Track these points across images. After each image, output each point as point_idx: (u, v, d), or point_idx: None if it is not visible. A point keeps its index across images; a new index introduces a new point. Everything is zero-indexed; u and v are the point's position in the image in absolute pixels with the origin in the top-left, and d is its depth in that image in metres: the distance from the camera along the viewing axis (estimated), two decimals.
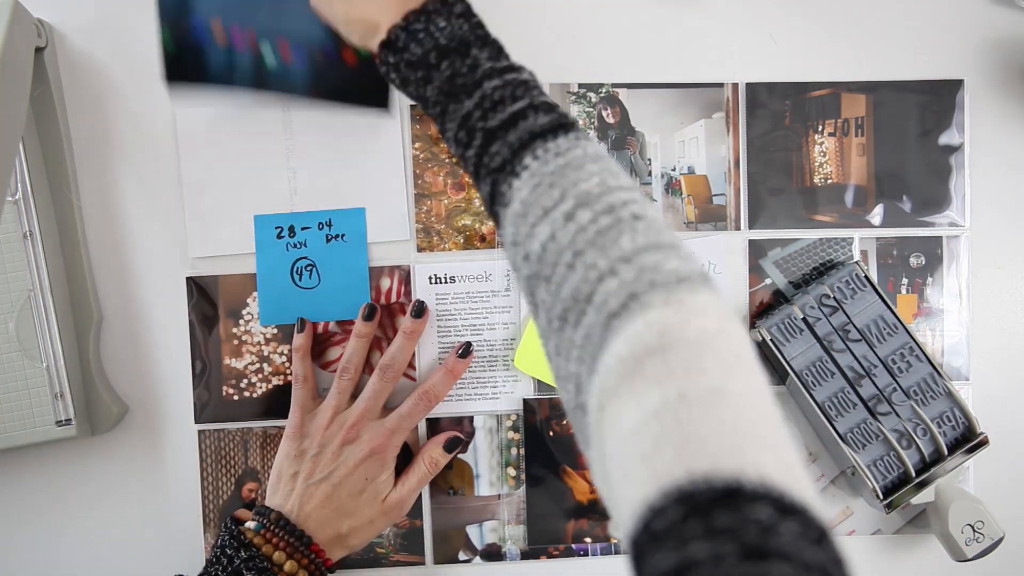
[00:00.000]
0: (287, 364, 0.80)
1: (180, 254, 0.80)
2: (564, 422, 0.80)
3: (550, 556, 0.81)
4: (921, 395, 0.76)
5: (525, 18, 0.80)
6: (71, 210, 0.78)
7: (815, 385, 0.76)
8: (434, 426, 0.81)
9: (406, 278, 0.80)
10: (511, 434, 0.81)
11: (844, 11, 0.81)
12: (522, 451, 0.81)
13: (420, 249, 0.80)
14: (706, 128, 0.80)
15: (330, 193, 0.80)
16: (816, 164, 0.80)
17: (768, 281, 0.80)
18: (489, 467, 0.81)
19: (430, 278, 0.80)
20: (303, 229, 0.80)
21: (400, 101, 0.80)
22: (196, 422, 0.80)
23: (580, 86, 0.80)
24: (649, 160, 0.80)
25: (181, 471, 0.81)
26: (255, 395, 0.80)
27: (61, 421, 0.75)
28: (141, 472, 0.81)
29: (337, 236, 0.80)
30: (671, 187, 0.80)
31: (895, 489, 0.75)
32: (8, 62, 0.67)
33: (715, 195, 0.80)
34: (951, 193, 0.81)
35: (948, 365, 0.81)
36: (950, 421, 0.76)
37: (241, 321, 0.80)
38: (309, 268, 0.80)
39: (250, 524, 0.71)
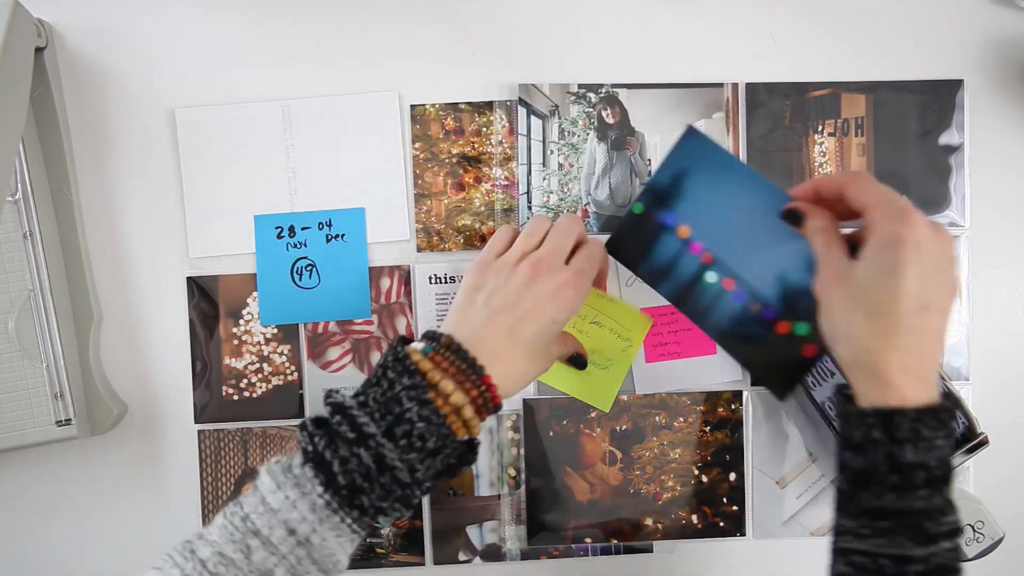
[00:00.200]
0: (287, 364, 0.80)
1: (180, 254, 0.80)
2: (564, 422, 0.80)
3: (550, 556, 0.81)
4: None
5: (525, 18, 0.80)
6: (71, 210, 0.78)
7: (815, 385, 0.76)
8: None
9: (406, 278, 0.80)
10: (511, 434, 0.81)
11: (844, 11, 0.81)
12: (522, 451, 0.81)
13: (420, 249, 0.80)
14: (706, 128, 0.80)
15: (330, 193, 0.80)
16: (816, 164, 0.80)
17: None
18: (489, 467, 0.81)
19: (430, 278, 0.80)
20: (303, 229, 0.80)
21: (401, 103, 0.80)
22: (196, 422, 0.81)
23: (580, 86, 0.80)
24: (649, 160, 0.80)
25: (181, 471, 0.81)
26: (255, 395, 0.80)
27: (61, 421, 0.75)
28: (141, 472, 0.81)
29: (337, 236, 0.80)
30: None
31: None
32: (8, 62, 0.67)
33: None
34: (951, 193, 0.81)
35: (948, 365, 0.81)
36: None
37: (241, 321, 0.80)
38: (309, 268, 0.80)
39: (417, 345, 0.63)
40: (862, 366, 0.58)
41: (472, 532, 0.81)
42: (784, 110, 0.80)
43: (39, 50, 0.76)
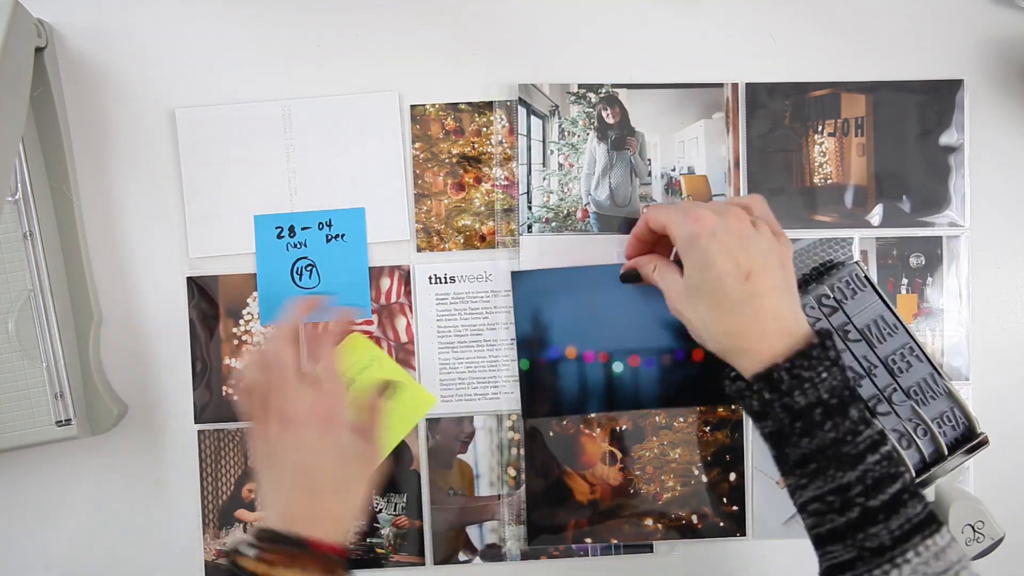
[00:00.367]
0: None
1: (180, 254, 0.80)
2: (564, 422, 0.80)
3: (550, 556, 0.81)
4: (921, 395, 0.76)
5: (525, 18, 0.80)
6: (71, 210, 0.78)
7: None
8: (434, 426, 0.81)
9: (406, 278, 0.80)
10: (511, 434, 0.81)
11: (844, 11, 0.81)
12: (522, 451, 0.81)
13: (420, 249, 0.80)
14: (706, 128, 0.80)
15: (330, 193, 0.80)
16: (816, 164, 0.80)
17: None
18: (489, 467, 0.81)
19: (430, 278, 0.80)
20: (303, 229, 0.80)
21: (401, 103, 0.80)
22: (196, 422, 0.81)
23: (580, 86, 0.80)
24: (649, 160, 0.80)
25: (181, 471, 0.81)
26: None
27: (61, 421, 0.75)
28: (141, 472, 0.81)
29: (337, 236, 0.80)
30: (671, 187, 0.80)
31: None
32: (8, 62, 0.67)
33: (715, 195, 0.80)
34: (951, 193, 0.81)
35: (948, 365, 0.81)
36: (950, 421, 0.76)
37: (241, 321, 0.80)
38: (309, 268, 0.80)
39: (247, 552, 0.62)
40: (729, 349, 0.66)
41: (472, 532, 0.81)
42: (784, 110, 0.80)
43: (39, 50, 0.76)
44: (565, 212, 0.80)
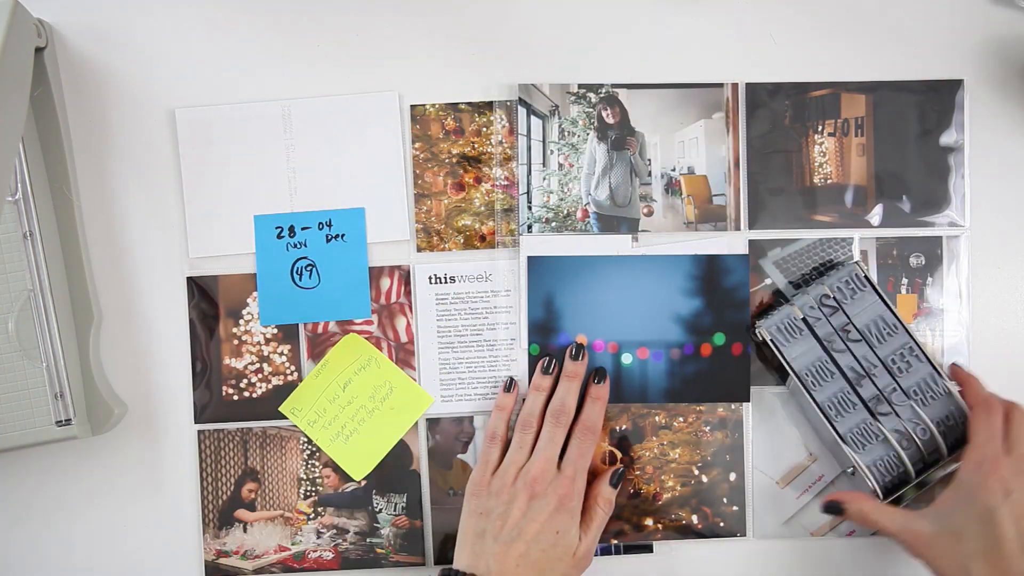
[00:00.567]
0: (287, 364, 0.80)
1: (180, 254, 0.80)
2: None
3: None
4: (921, 395, 0.76)
5: (526, 18, 0.80)
6: (71, 210, 0.78)
7: (815, 386, 0.76)
8: (434, 426, 0.81)
9: (406, 278, 0.80)
10: (511, 434, 0.80)
11: (844, 11, 0.81)
12: None
13: (420, 249, 0.80)
14: (706, 128, 0.80)
15: (330, 193, 0.80)
16: (816, 164, 0.80)
17: (768, 281, 0.80)
18: None
19: (430, 278, 0.80)
20: (303, 229, 0.80)
21: (401, 103, 0.80)
22: (196, 422, 0.81)
23: (580, 86, 0.80)
24: (649, 160, 0.80)
25: (181, 471, 0.81)
26: (255, 395, 0.80)
27: (61, 421, 0.75)
28: (141, 472, 0.81)
29: (337, 236, 0.80)
30: (671, 187, 0.80)
31: (895, 489, 0.75)
32: (8, 62, 0.67)
33: (715, 195, 0.80)
34: (951, 193, 0.80)
35: (948, 365, 0.81)
36: (950, 421, 0.76)
37: (241, 321, 0.80)
38: (309, 268, 0.80)
39: None
40: None
41: None
42: (784, 110, 0.80)
43: (39, 50, 0.76)
44: (565, 212, 0.80)
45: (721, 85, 0.80)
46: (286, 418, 0.80)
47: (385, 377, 0.80)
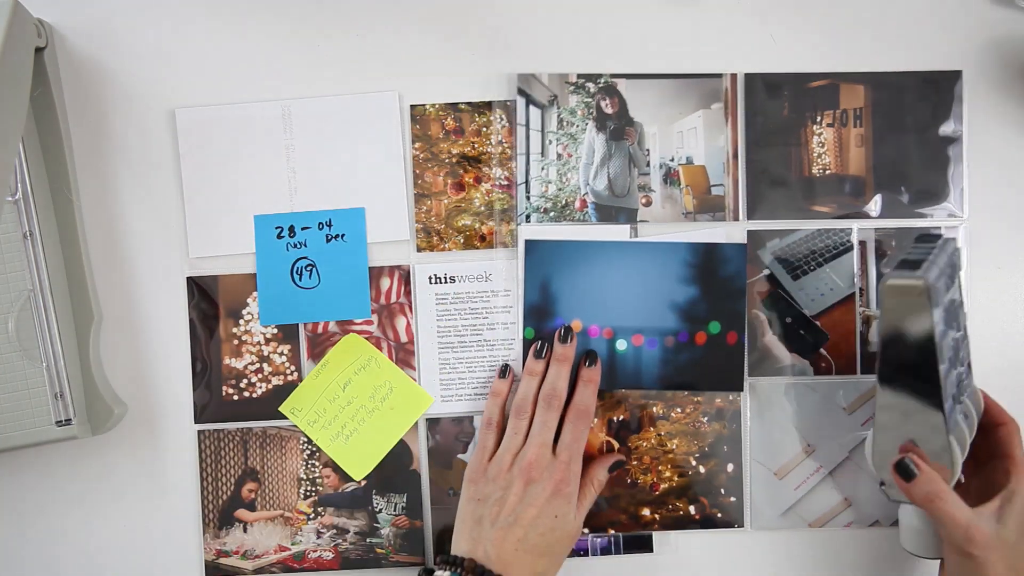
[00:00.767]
0: (287, 364, 0.80)
1: (180, 254, 0.81)
2: None
3: None
4: (969, 388, 0.72)
5: (524, 8, 0.81)
6: (71, 210, 0.78)
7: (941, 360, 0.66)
8: (434, 426, 0.80)
9: (406, 278, 0.80)
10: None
11: (843, 2, 0.81)
12: None
13: (420, 249, 0.80)
14: (704, 119, 0.80)
15: (330, 193, 0.80)
16: (815, 155, 0.80)
17: (766, 272, 0.80)
18: None
19: (430, 278, 0.80)
20: (303, 229, 0.80)
21: (401, 103, 0.80)
22: (196, 422, 0.80)
23: (579, 76, 0.80)
24: (647, 150, 0.80)
25: (181, 471, 0.81)
26: (255, 395, 0.80)
27: (61, 421, 0.75)
28: (141, 472, 0.81)
29: (337, 236, 0.80)
30: (669, 177, 0.80)
31: None
32: (8, 62, 0.67)
33: (714, 186, 0.80)
34: (949, 184, 0.80)
35: None
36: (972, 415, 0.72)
37: (241, 321, 0.80)
38: (309, 268, 0.80)
39: (443, 574, 0.69)
40: None
41: None
42: (783, 101, 0.80)
43: (39, 50, 0.77)
44: (563, 202, 0.80)
45: (720, 76, 0.80)
46: (286, 418, 0.80)
47: (385, 377, 0.80)
